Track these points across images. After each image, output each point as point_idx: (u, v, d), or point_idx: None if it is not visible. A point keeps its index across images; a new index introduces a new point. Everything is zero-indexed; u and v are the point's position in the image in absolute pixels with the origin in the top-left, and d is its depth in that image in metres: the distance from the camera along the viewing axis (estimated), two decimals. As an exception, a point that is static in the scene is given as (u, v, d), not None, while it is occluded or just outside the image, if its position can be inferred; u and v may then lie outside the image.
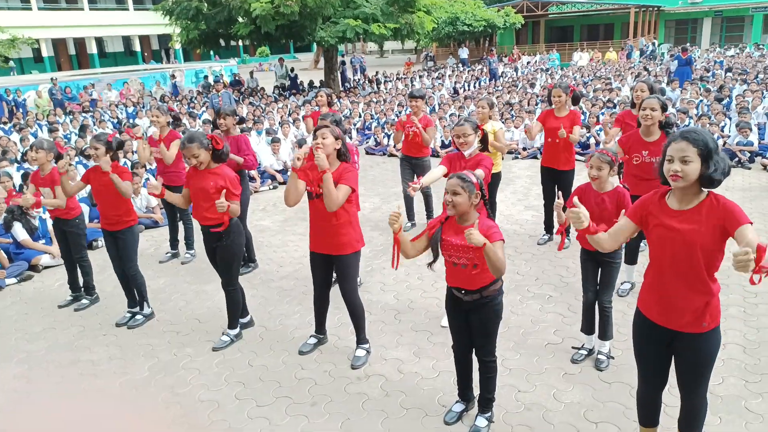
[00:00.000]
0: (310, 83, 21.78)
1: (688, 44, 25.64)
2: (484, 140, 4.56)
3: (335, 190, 3.75)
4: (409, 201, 7.11)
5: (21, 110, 17.91)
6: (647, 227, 2.64)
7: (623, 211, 2.88)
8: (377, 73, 24.81)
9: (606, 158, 3.84)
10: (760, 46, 27.85)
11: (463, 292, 3.16)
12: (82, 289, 5.54)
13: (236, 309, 4.60)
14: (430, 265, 3.25)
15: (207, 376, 4.18)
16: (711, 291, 2.54)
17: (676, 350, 2.70)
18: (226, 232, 4.33)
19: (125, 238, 4.89)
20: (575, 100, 6.08)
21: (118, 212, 4.82)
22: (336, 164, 3.91)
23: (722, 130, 10.00)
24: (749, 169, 9.03)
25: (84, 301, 5.46)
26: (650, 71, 19.49)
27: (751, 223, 2.38)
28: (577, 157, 8.36)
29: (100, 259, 6.49)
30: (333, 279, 4.29)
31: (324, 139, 3.79)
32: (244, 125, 7.81)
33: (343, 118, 5.14)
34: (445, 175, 4.57)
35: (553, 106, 6.01)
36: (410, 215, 7.20)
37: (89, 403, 3.96)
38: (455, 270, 3.15)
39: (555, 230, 3.85)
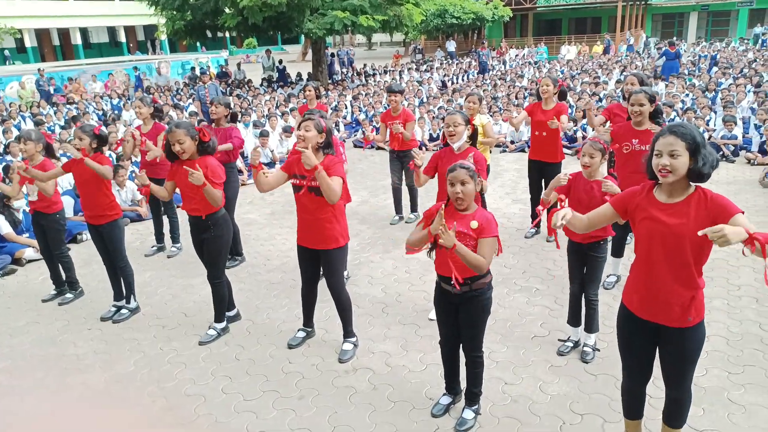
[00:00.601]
0: (298, 75, 21.66)
1: (675, 38, 25.83)
2: (473, 135, 4.54)
3: (331, 184, 3.73)
4: (397, 194, 7.12)
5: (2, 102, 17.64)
6: (634, 220, 2.65)
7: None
8: (365, 65, 24.72)
9: (598, 146, 3.85)
10: (745, 40, 28.08)
11: (452, 283, 3.15)
12: (66, 283, 5.48)
13: (222, 302, 4.57)
14: (429, 252, 3.23)
15: (193, 370, 4.16)
16: (697, 285, 2.55)
17: (661, 344, 2.72)
18: (214, 223, 4.30)
19: (110, 232, 4.84)
20: (562, 95, 6.10)
21: (101, 205, 4.77)
22: (320, 157, 3.90)
23: (707, 124, 10.09)
24: (733, 162, 9.11)
25: (68, 295, 5.41)
26: (637, 65, 19.60)
27: (742, 212, 2.38)
28: (565, 150, 8.42)
29: (84, 252, 6.44)
30: (321, 273, 4.28)
31: (307, 132, 3.78)
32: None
33: (328, 115, 5.11)
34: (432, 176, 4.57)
35: (542, 98, 6.02)
36: (398, 208, 7.21)
37: (74, 397, 3.94)
38: (446, 255, 3.11)
39: (536, 208, 3.89)
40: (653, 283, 2.60)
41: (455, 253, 2.88)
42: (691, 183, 2.49)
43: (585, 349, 4.04)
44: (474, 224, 3.01)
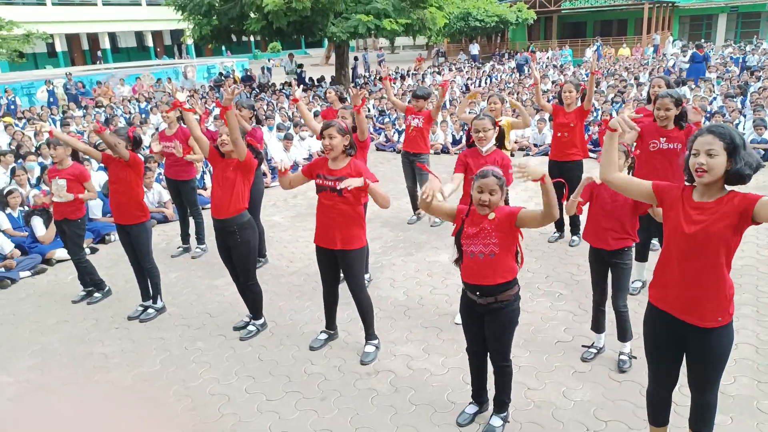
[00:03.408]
0: (321, 79, 21.77)
1: (702, 41, 25.41)
2: (500, 137, 4.51)
3: (381, 191, 3.85)
4: (413, 195, 7.16)
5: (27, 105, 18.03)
6: (666, 214, 2.63)
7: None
8: (387, 68, 24.77)
9: (622, 148, 3.79)
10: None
11: (478, 293, 3.12)
12: (94, 286, 5.53)
13: (258, 300, 4.66)
14: (457, 261, 3.22)
15: (218, 370, 4.22)
16: (725, 284, 2.53)
17: (689, 346, 2.68)
18: (240, 227, 4.36)
19: (138, 234, 4.94)
20: (583, 99, 6.06)
21: (131, 206, 4.87)
22: (345, 160, 3.95)
23: (736, 128, 9.90)
24: (763, 167, 8.89)
25: (97, 295, 5.51)
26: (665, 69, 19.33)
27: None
28: (591, 155, 8.32)
29: (113, 253, 6.56)
30: (341, 275, 4.30)
31: (332, 139, 3.84)
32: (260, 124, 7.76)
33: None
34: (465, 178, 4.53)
35: (564, 103, 6.00)
36: (415, 207, 7.29)
37: (101, 395, 4.02)
38: (472, 262, 3.08)
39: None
40: (682, 281, 2.57)
41: (545, 186, 2.89)
42: (726, 187, 2.47)
43: (621, 357, 3.95)
44: (491, 216, 3.01)
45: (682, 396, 3.29)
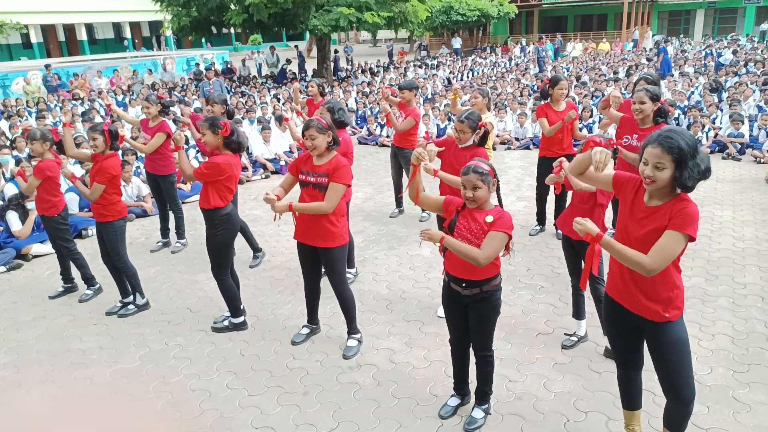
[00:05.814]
0: (303, 71, 21.60)
1: (681, 35, 25.72)
2: (483, 137, 4.45)
3: (315, 205, 3.86)
4: (398, 189, 7.16)
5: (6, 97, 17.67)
6: (620, 205, 2.70)
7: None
8: (367, 62, 24.71)
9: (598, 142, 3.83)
10: (754, 39, 27.90)
11: (463, 284, 3.12)
12: (84, 282, 5.40)
13: (227, 298, 4.56)
14: (443, 251, 3.21)
15: (198, 366, 4.18)
16: (673, 284, 2.59)
17: (646, 337, 2.77)
18: (217, 219, 4.29)
19: (105, 231, 4.84)
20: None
21: (101, 203, 4.76)
22: (328, 156, 3.92)
23: (713, 122, 10.04)
24: (740, 160, 9.07)
25: (88, 292, 5.36)
26: (644, 64, 19.53)
27: (692, 238, 2.44)
28: (574, 149, 8.38)
29: (90, 248, 6.45)
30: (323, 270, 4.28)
31: (314, 140, 3.84)
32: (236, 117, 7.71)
33: (344, 107, 5.14)
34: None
35: (551, 99, 6.02)
36: (399, 202, 7.28)
37: (80, 392, 3.96)
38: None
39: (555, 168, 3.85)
40: (629, 278, 2.65)
41: (447, 246, 2.95)
42: (676, 190, 2.50)
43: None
44: (489, 218, 3.00)
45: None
